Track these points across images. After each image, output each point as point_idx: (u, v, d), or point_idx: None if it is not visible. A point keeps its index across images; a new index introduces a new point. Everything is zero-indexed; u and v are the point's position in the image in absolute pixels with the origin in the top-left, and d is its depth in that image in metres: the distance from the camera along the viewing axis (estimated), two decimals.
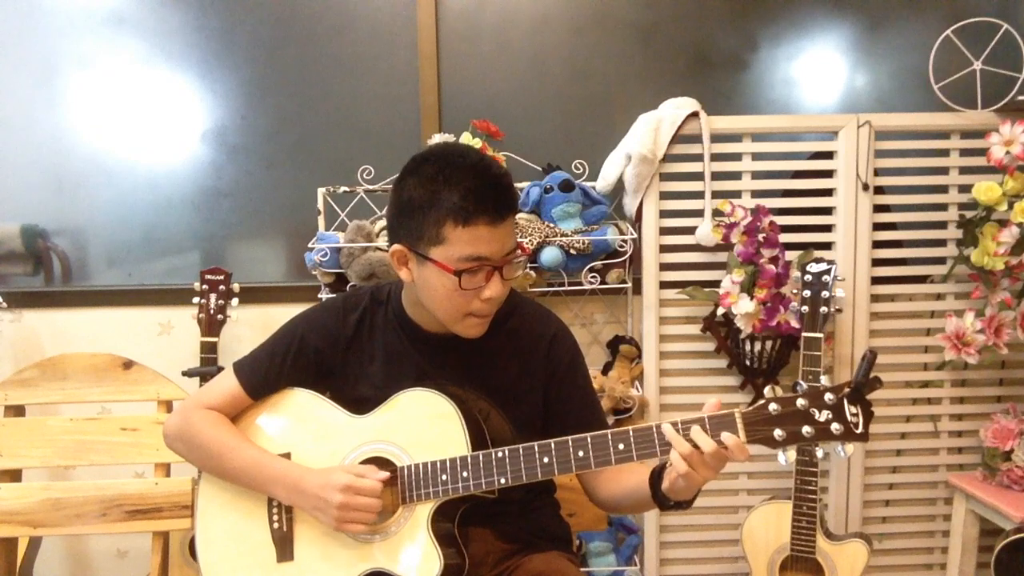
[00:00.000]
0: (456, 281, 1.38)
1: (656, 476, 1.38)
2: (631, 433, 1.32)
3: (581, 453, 1.35)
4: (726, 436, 1.26)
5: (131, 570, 2.74)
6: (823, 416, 1.22)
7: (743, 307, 2.28)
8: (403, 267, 1.46)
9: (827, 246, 2.48)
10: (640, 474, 1.42)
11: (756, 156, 2.48)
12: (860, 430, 1.21)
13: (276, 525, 1.50)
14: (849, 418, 1.22)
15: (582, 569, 1.84)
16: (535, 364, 1.55)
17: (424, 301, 1.48)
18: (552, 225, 2.37)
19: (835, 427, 1.21)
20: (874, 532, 2.54)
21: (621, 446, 1.33)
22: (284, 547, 1.49)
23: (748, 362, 2.40)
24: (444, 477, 1.42)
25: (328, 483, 1.41)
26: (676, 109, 2.42)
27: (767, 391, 1.26)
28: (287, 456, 1.53)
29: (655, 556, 2.53)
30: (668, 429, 1.29)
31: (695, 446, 1.26)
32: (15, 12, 2.61)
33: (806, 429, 1.22)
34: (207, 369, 2.38)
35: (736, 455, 1.26)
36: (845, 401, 1.22)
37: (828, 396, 1.22)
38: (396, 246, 1.44)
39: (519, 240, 2.32)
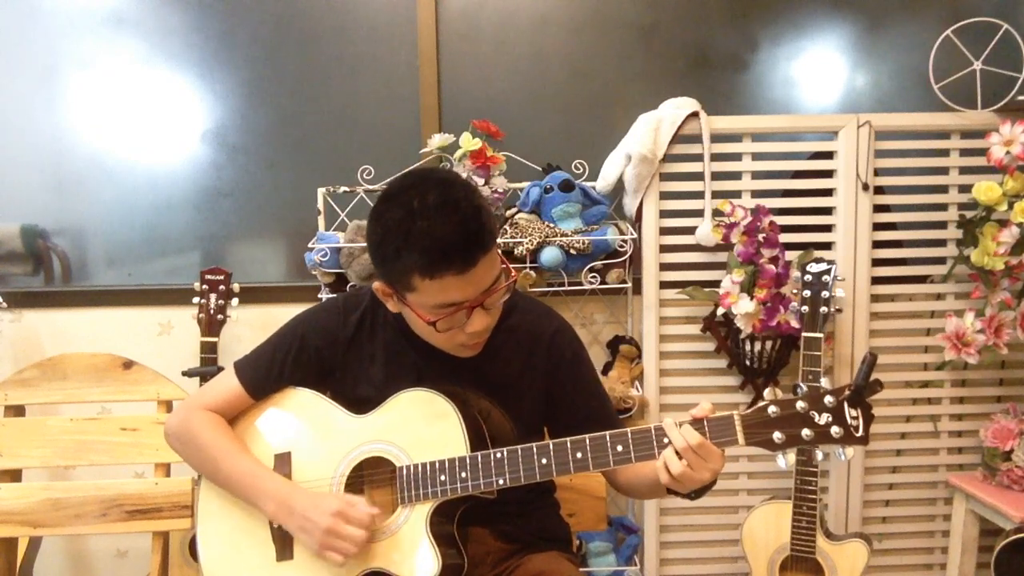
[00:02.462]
0: (432, 327, 1.38)
1: None
2: (629, 435, 1.32)
3: (579, 455, 1.35)
4: (690, 434, 1.27)
5: (131, 570, 2.74)
6: (823, 419, 1.22)
7: (743, 307, 2.28)
8: (388, 299, 1.46)
9: (827, 246, 2.48)
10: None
11: (756, 156, 2.48)
12: (860, 433, 1.21)
13: (276, 524, 1.50)
14: (849, 421, 1.21)
15: (582, 569, 1.84)
16: (536, 361, 1.55)
17: (414, 330, 1.49)
18: (552, 225, 2.37)
19: (835, 430, 1.21)
20: (874, 532, 2.54)
21: (619, 447, 1.33)
22: (284, 546, 1.49)
23: (748, 362, 2.39)
24: (443, 477, 1.42)
25: (318, 506, 1.40)
26: (676, 109, 2.42)
27: (767, 393, 1.26)
28: (287, 455, 1.53)
29: (655, 556, 2.53)
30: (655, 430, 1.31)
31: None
32: (15, 12, 2.60)
33: (806, 432, 1.22)
34: (207, 369, 2.38)
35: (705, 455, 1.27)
36: (845, 404, 1.22)
37: (828, 399, 1.22)
38: (376, 283, 1.45)
39: (518, 241, 2.32)
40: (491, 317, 1.43)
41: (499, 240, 2.32)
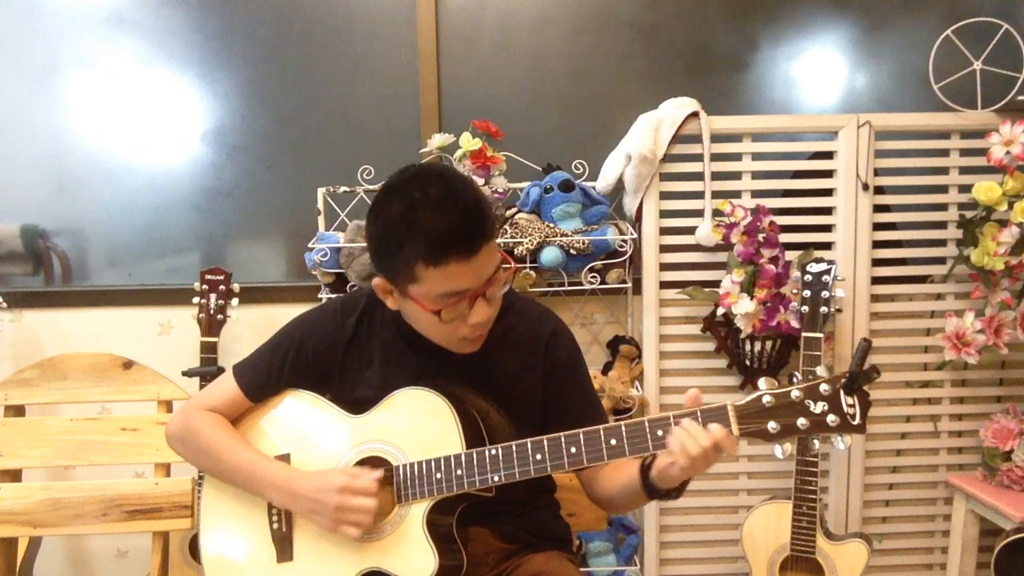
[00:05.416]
0: (436, 317, 1.37)
1: (646, 466, 1.38)
2: (623, 428, 1.31)
3: (573, 449, 1.35)
4: (714, 427, 1.24)
5: (131, 570, 2.74)
6: (818, 408, 1.21)
7: (743, 307, 2.28)
8: (388, 297, 1.46)
9: (827, 246, 2.48)
10: (632, 467, 1.42)
11: (756, 156, 2.48)
12: (857, 421, 1.20)
13: (276, 526, 1.51)
14: (845, 409, 1.20)
15: (582, 569, 1.84)
16: (534, 362, 1.55)
17: (414, 326, 1.48)
18: (552, 225, 2.37)
19: (831, 419, 1.20)
20: (874, 532, 2.53)
21: (613, 441, 1.32)
22: (283, 547, 1.49)
23: (748, 362, 2.39)
24: (438, 475, 1.41)
25: (323, 485, 1.41)
26: (676, 109, 2.42)
27: (761, 383, 1.24)
28: (286, 457, 1.53)
29: (655, 556, 2.52)
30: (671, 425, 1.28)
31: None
32: (15, 12, 2.61)
33: (801, 421, 1.21)
34: (207, 369, 2.38)
35: (726, 447, 1.24)
36: (841, 392, 1.20)
37: (824, 387, 1.21)
38: (376, 280, 1.44)
39: (518, 241, 2.32)
40: (492, 309, 1.43)
41: (499, 240, 2.32)
